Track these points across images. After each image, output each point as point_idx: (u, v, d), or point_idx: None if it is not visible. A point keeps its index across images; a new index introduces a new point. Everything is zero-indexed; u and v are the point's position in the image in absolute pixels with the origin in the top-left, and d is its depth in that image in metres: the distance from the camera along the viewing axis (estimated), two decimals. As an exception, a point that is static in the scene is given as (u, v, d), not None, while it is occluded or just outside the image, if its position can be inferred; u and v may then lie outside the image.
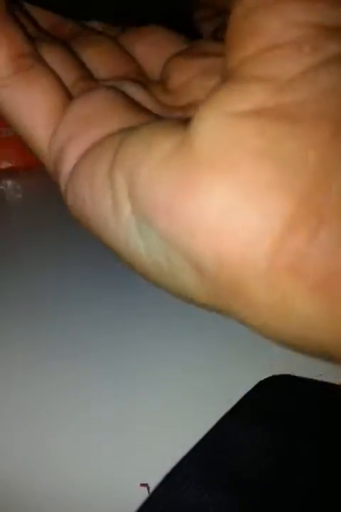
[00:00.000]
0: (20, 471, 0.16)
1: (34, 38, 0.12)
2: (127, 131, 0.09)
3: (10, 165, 0.35)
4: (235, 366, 0.19)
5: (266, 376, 0.18)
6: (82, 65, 0.13)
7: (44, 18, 0.14)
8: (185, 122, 0.08)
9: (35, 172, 0.35)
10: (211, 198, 0.07)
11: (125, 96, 0.11)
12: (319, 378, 0.18)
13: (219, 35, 0.16)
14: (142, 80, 0.13)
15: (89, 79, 0.13)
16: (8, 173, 0.35)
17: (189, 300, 0.09)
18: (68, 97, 0.12)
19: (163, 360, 0.20)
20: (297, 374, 0.18)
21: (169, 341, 0.21)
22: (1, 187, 0.34)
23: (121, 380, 0.19)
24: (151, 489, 0.15)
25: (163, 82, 0.13)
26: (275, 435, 0.16)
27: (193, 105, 0.11)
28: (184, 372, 0.19)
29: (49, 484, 0.16)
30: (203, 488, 0.14)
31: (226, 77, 0.08)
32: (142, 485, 0.15)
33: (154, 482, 0.14)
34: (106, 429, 0.18)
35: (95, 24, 0.15)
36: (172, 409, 0.18)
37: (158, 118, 0.11)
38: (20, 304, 0.24)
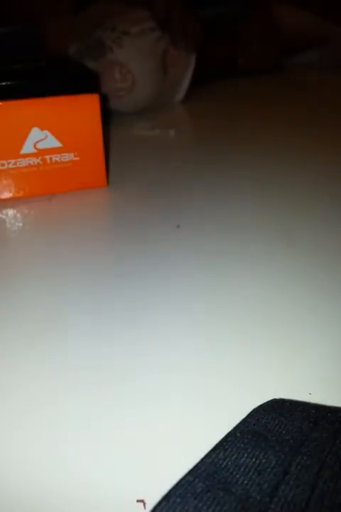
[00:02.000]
0: (17, 481, 0.16)
1: None
2: None
3: (10, 195, 0.36)
4: (229, 393, 0.20)
5: (260, 401, 0.18)
6: None
7: None
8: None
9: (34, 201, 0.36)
10: None
11: None
12: (308, 397, 0.19)
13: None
14: None
15: None
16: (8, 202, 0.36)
17: None
18: None
19: (163, 379, 0.20)
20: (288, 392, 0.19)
21: (169, 362, 0.21)
22: (2, 216, 0.35)
23: (119, 396, 0.19)
24: (148, 505, 0.15)
25: None
26: (271, 455, 0.16)
27: None
28: (183, 395, 0.20)
29: (44, 497, 0.16)
30: (201, 504, 0.14)
31: None
32: (139, 501, 0.15)
33: (151, 499, 0.14)
34: (103, 444, 0.17)
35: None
36: (171, 428, 0.18)
37: None
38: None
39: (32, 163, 0.36)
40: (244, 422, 0.18)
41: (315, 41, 0.84)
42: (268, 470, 0.15)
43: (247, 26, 0.76)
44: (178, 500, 0.14)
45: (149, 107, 0.61)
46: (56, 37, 0.58)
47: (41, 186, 0.37)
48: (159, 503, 0.14)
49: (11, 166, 0.35)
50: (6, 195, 0.36)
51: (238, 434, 0.17)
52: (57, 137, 0.36)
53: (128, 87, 0.57)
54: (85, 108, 0.36)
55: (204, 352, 0.22)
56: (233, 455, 0.16)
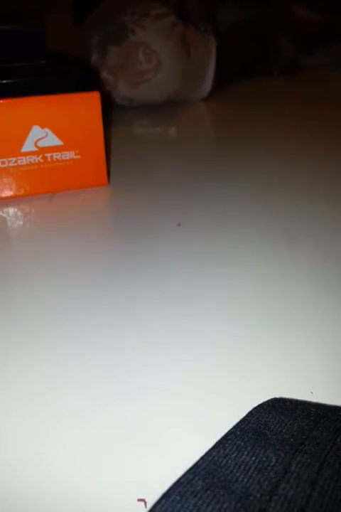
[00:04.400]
0: (15, 480, 0.16)
1: None
2: None
3: (11, 193, 0.36)
4: (229, 391, 0.20)
5: (261, 400, 0.18)
6: None
7: None
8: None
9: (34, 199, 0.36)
10: None
11: None
12: (310, 396, 0.19)
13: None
14: None
15: None
16: (9, 201, 0.36)
17: None
18: None
19: (163, 378, 0.20)
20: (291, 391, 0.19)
21: (169, 360, 0.21)
22: (3, 214, 0.34)
23: (119, 393, 0.19)
24: (149, 505, 0.15)
25: None
26: (271, 453, 0.16)
27: None
28: (183, 393, 0.20)
29: (42, 498, 0.15)
30: (201, 502, 0.14)
31: None
32: (140, 500, 0.15)
33: (152, 498, 0.14)
34: (103, 442, 0.17)
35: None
36: (171, 426, 0.18)
37: None
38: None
39: (33, 162, 0.36)
40: (244, 421, 0.18)
41: (324, 41, 0.84)
42: (269, 468, 0.15)
43: (278, 26, 0.75)
44: (178, 498, 0.14)
45: (174, 97, 0.60)
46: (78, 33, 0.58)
47: (42, 184, 0.37)
48: (158, 501, 0.14)
49: (11, 164, 0.35)
50: (7, 193, 0.36)
51: (238, 433, 0.17)
52: (57, 135, 0.36)
53: (153, 68, 0.57)
54: (86, 106, 0.36)
55: (204, 350, 0.22)
56: (233, 453, 0.16)
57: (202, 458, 0.16)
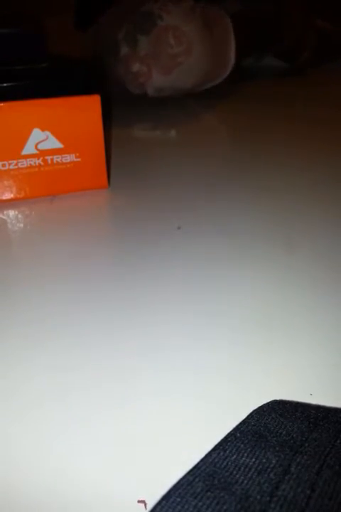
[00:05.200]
0: (17, 483, 0.16)
1: None
2: None
3: (11, 196, 0.36)
4: (229, 394, 0.20)
5: (261, 402, 0.18)
6: None
7: None
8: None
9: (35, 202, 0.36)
10: None
11: None
12: (309, 398, 0.19)
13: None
14: None
15: None
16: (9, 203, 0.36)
17: None
18: None
19: (163, 380, 0.20)
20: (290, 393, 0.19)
21: (169, 363, 0.21)
22: (3, 217, 0.35)
23: (119, 396, 0.19)
24: (149, 506, 0.15)
25: None
26: (271, 455, 0.16)
27: None
28: (183, 395, 0.20)
29: (42, 498, 0.16)
30: (201, 504, 0.14)
31: None
32: (140, 501, 0.15)
33: (152, 499, 0.14)
34: (103, 444, 0.17)
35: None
36: (171, 429, 0.18)
37: None
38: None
39: (33, 164, 0.36)
40: (244, 423, 0.18)
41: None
42: (268, 470, 0.15)
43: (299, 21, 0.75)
44: (178, 499, 0.14)
45: (204, 80, 0.60)
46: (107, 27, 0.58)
47: (42, 187, 0.37)
48: (159, 503, 0.14)
49: (12, 166, 0.35)
50: (7, 195, 0.36)
51: (238, 435, 0.17)
52: (58, 138, 0.36)
53: (184, 51, 0.57)
54: (87, 109, 0.36)
55: (204, 353, 0.22)
56: (233, 455, 0.16)
57: (202, 460, 0.16)
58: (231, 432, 0.17)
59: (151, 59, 0.57)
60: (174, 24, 0.57)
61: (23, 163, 0.36)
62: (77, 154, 0.37)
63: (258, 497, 0.14)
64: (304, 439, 0.16)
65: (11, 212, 0.35)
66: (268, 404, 0.18)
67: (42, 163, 0.36)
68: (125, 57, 0.58)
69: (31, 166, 0.36)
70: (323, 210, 0.35)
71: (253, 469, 0.15)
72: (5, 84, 0.36)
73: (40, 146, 0.35)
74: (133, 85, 0.60)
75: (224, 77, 0.64)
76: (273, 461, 0.16)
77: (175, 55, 0.57)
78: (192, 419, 0.19)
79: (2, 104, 0.34)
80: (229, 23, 0.62)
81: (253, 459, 0.16)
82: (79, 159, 0.37)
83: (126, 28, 0.58)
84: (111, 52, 0.59)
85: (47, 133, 0.35)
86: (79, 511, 0.15)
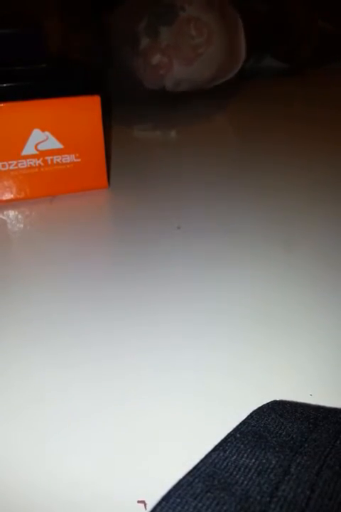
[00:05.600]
0: (16, 482, 0.16)
1: None
2: None
3: (11, 196, 0.36)
4: (229, 394, 0.20)
5: (261, 403, 0.18)
6: None
7: None
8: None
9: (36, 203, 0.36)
10: None
11: None
12: (309, 398, 0.19)
13: None
14: None
15: None
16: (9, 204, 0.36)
17: None
18: None
19: (163, 379, 0.20)
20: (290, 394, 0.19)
21: (169, 362, 0.21)
22: (3, 217, 0.35)
23: (119, 395, 0.19)
24: (149, 507, 0.15)
25: None
26: (271, 455, 0.16)
27: None
28: (183, 396, 0.20)
29: (41, 498, 0.16)
30: (201, 505, 0.14)
31: None
32: (140, 502, 0.15)
33: (152, 500, 0.14)
34: (103, 444, 0.17)
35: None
36: (171, 429, 0.18)
37: None
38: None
39: (33, 165, 0.36)
40: (244, 423, 0.18)
41: None
42: (268, 470, 0.15)
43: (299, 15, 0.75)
44: (178, 500, 0.14)
45: (219, 71, 0.60)
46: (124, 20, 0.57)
47: (42, 188, 0.37)
48: (158, 504, 0.14)
49: (12, 167, 0.35)
50: (7, 196, 0.36)
51: (238, 435, 0.17)
52: (58, 138, 0.36)
53: (205, 41, 0.57)
54: (86, 109, 0.36)
55: (204, 353, 0.22)
56: (233, 456, 0.16)
57: (202, 460, 0.16)
58: (231, 432, 0.17)
59: (173, 50, 0.57)
60: (196, 15, 0.57)
61: (23, 164, 0.36)
62: (77, 155, 0.37)
63: (258, 497, 0.14)
64: (304, 439, 0.16)
65: (11, 213, 0.35)
66: (267, 404, 0.18)
67: (42, 164, 0.36)
68: (145, 49, 0.57)
69: (31, 167, 0.36)
70: (323, 209, 0.35)
71: (253, 470, 0.15)
72: (5, 85, 0.36)
73: (40, 147, 0.35)
74: (151, 79, 0.60)
75: (235, 72, 0.64)
76: (273, 462, 0.16)
77: (196, 46, 0.57)
78: (192, 419, 0.19)
79: (2, 105, 0.34)
80: (239, 19, 0.62)
81: (253, 460, 0.16)
82: (79, 160, 0.37)
83: (148, 19, 0.58)
84: (128, 43, 0.59)
85: (47, 133, 0.35)
86: (78, 511, 0.15)
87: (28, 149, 0.35)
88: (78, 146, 0.37)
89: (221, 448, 0.16)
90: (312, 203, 0.36)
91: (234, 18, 0.62)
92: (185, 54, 0.57)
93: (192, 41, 0.57)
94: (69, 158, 0.37)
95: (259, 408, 0.18)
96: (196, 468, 0.15)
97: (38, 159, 0.36)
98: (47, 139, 0.35)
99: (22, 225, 0.34)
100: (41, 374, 0.21)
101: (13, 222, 0.34)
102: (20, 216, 0.35)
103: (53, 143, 0.36)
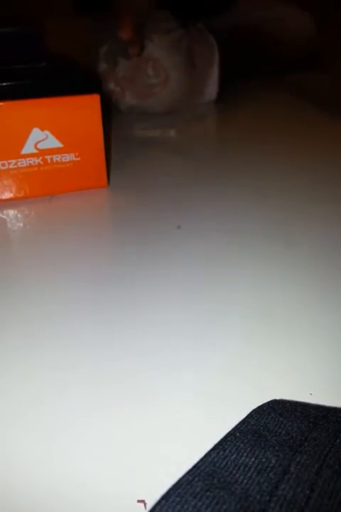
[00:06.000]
0: (18, 481, 0.16)
1: None
2: None
3: (11, 196, 0.36)
4: (229, 393, 0.20)
5: (260, 402, 0.18)
6: None
7: None
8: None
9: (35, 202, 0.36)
10: None
11: None
12: (309, 397, 0.19)
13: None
14: None
15: None
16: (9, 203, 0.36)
17: None
18: None
19: (163, 379, 0.20)
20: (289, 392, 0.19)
21: (169, 361, 0.21)
22: (3, 216, 0.35)
23: (119, 395, 0.19)
24: (148, 506, 0.15)
25: None
26: (270, 454, 0.16)
27: None
28: (182, 395, 0.20)
29: (41, 498, 0.15)
30: (200, 504, 0.14)
31: None
32: (139, 501, 0.15)
33: (151, 499, 0.14)
34: (103, 444, 0.17)
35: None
36: (171, 428, 0.18)
37: None
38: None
39: (33, 164, 0.36)
40: (244, 422, 0.18)
41: None
42: (268, 469, 0.15)
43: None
44: (177, 499, 0.14)
45: (179, 105, 0.60)
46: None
47: (42, 186, 0.37)
48: (158, 503, 0.14)
49: (11, 166, 0.35)
50: (7, 195, 0.36)
51: (237, 434, 0.17)
52: (58, 137, 0.36)
53: (161, 82, 0.57)
54: (86, 108, 0.36)
55: (204, 352, 0.22)
56: (232, 455, 0.16)
57: (202, 459, 0.16)
58: (230, 431, 0.17)
59: (127, 82, 0.57)
60: (157, 55, 0.57)
61: (23, 163, 0.36)
62: (77, 154, 0.37)
63: (258, 496, 0.14)
64: (303, 438, 0.16)
65: (11, 212, 0.35)
66: (267, 403, 0.18)
67: (41, 163, 0.36)
68: (102, 73, 0.58)
69: (31, 166, 0.36)
70: (323, 209, 0.35)
71: (252, 469, 0.15)
72: (4, 84, 0.36)
73: (39, 146, 0.35)
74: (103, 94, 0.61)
75: (205, 101, 0.64)
76: (273, 461, 0.15)
77: (151, 86, 0.57)
78: (192, 419, 0.18)
79: (2, 104, 0.34)
80: (215, 55, 0.62)
81: (253, 459, 0.16)
82: (78, 159, 0.37)
83: (110, 45, 0.58)
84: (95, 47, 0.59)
85: (47, 132, 0.35)
86: (78, 511, 0.15)
87: (28, 148, 0.35)
88: (78, 145, 0.36)
89: (220, 447, 0.16)
90: (313, 203, 0.36)
91: (207, 56, 0.61)
92: (139, 90, 0.57)
93: (147, 80, 0.57)
94: (68, 157, 0.37)
95: (259, 407, 0.18)
96: (196, 467, 0.15)
97: (38, 158, 0.36)
98: (46, 137, 0.35)
99: (21, 224, 0.34)
100: (41, 375, 0.21)
101: (13, 221, 0.34)
102: (19, 215, 0.35)
103: (53, 142, 0.36)
